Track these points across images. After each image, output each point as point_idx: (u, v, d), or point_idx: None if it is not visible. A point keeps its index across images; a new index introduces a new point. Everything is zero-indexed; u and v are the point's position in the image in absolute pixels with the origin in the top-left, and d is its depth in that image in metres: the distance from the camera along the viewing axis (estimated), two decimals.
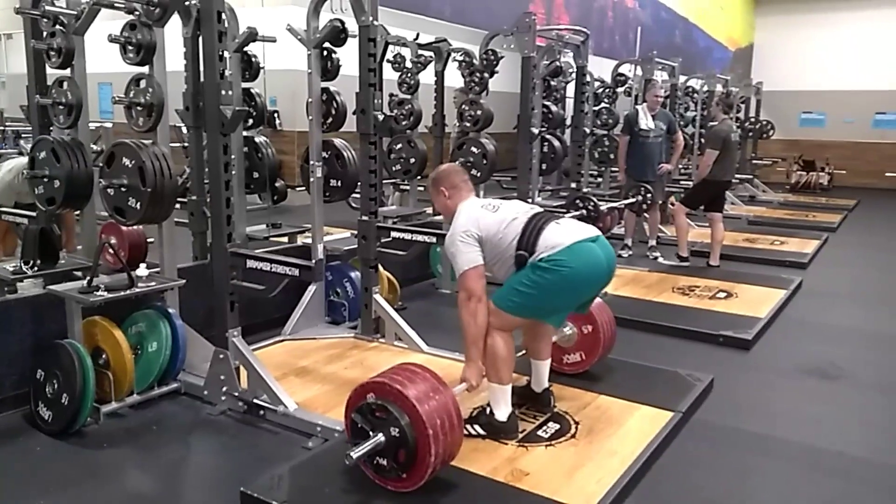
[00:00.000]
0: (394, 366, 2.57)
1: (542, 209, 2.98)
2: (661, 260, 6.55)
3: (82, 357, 2.92)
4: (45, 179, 3.32)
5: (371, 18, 3.72)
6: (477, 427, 2.88)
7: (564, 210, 5.32)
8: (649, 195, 6.37)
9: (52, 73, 3.51)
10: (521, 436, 2.87)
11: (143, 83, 3.20)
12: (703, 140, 8.79)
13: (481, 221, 2.82)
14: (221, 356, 3.13)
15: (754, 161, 12.04)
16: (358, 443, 2.39)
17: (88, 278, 3.06)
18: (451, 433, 2.40)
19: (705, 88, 9.87)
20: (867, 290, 6.15)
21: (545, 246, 2.71)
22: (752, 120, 11.83)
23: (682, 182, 8.00)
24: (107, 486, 2.63)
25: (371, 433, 2.40)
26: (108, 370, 3.06)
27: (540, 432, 2.94)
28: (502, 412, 2.86)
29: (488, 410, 2.89)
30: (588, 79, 6.93)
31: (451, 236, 2.84)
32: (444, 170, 3.12)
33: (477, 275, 2.75)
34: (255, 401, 3.08)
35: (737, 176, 8.29)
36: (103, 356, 3.09)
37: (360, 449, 2.36)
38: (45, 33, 3.41)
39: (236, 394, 3.12)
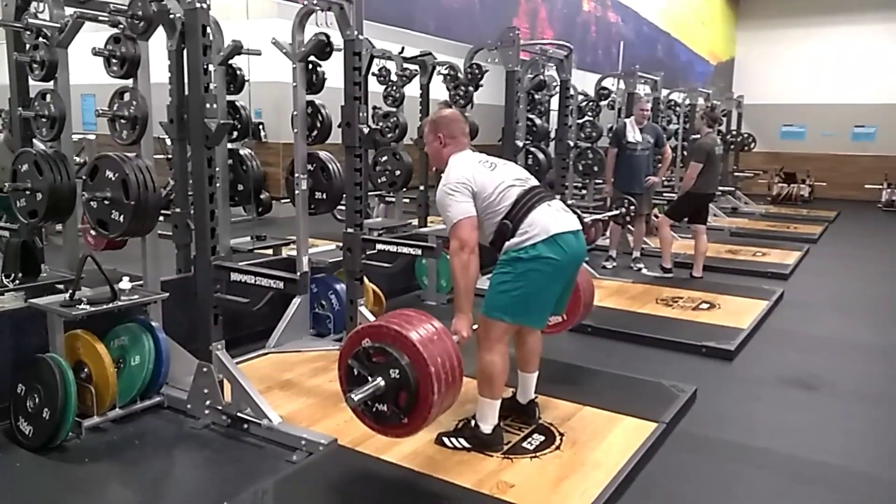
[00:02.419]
0: (388, 313, 2.54)
1: (537, 184, 2.92)
2: (645, 271, 6.60)
3: (64, 371, 2.89)
4: (28, 192, 3.30)
5: (356, 32, 3.73)
6: (462, 440, 2.88)
7: None
8: (633, 207, 6.42)
9: (34, 85, 3.50)
10: (506, 448, 2.88)
11: (126, 96, 3.20)
12: (686, 153, 8.89)
13: (477, 176, 2.77)
14: (205, 369, 3.12)
15: (736, 173, 12.17)
16: (355, 389, 2.36)
17: (70, 291, 3.03)
18: (452, 374, 2.37)
19: (687, 102, 9.98)
20: (848, 300, 6.22)
21: (530, 226, 2.71)
22: (734, 133, 11.98)
23: (666, 194, 8.08)
24: (89, 502, 2.60)
25: (369, 378, 2.36)
26: (90, 384, 3.03)
27: (525, 444, 2.94)
28: (488, 425, 2.86)
29: (473, 423, 2.89)
30: (572, 92, 6.96)
31: (445, 186, 2.77)
32: (446, 115, 3.00)
33: (471, 225, 2.71)
34: (239, 414, 3.06)
35: (719, 188, 8.37)
36: (85, 370, 3.06)
37: (362, 392, 2.32)
38: (28, 46, 3.39)
39: (220, 407, 3.10)
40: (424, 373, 2.29)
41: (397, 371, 2.32)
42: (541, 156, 6.58)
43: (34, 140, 3.51)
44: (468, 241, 2.68)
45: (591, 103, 8.32)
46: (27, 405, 2.93)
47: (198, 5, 2.89)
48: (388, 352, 2.33)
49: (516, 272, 2.71)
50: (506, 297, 2.74)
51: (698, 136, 6.60)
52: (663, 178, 7.85)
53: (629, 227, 6.79)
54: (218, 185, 3.34)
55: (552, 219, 2.75)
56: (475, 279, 2.72)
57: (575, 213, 5.56)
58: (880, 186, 13.79)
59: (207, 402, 3.12)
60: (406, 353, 2.32)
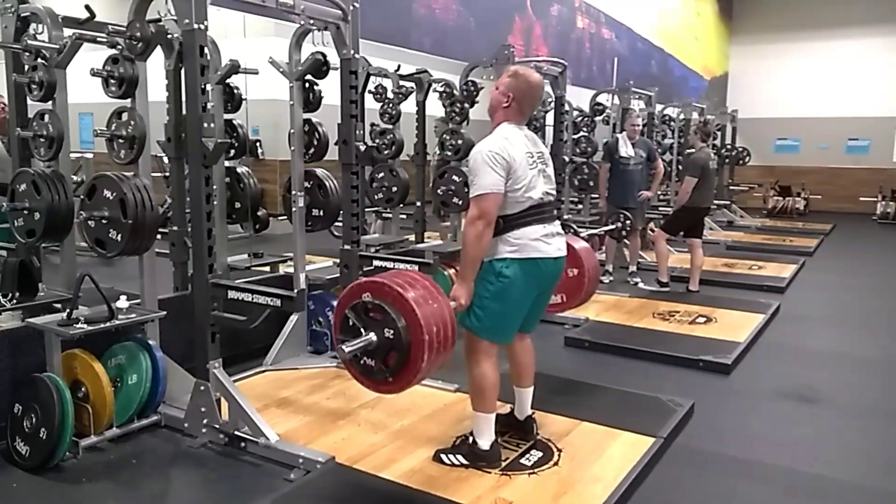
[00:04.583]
0: (392, 270, 2.54)
1: (553, 201, 2.94)
2: (641, 285, 6.61)
3: (61, 390, 2.89)
4: (26, 212, 3.31)
5: (352, 51, 3.77)
6: (459, 457, 2.87)
7: None
8: (629, 221, 6.45)
9: (33, 105, 3.52)
10: (504, 464, 2.88)
11: (124, 116, 3.22)
12: (681, 167, 8.94)
13: (519, 167, 2.73)
14: (202, 388, 3.11)
15: (731, 187, 12.24)
16: (346, 339, 2.36)
17: (68, 311, 3.04)
18: (444, 343, 2.38)
19: (682, 117, 10.05)
20: (844, 313, 6.23)
21: (517, 239, 2.75)
22: (729, 147, 12.05)
23: (661, 208, 8.11)
24: None
25: (363, 331, 2.37)
26: (87, 403, 3.03)
27: (523, 460, 2.94)
28: (485, 441, 2.86)
29: (471, 440, 2.89)
30: (566, 108, 7.03)
31: (486, 152, 2.70)
32: (532, 83, 2.85)
33: (496, 200, 2.68)
34: (237, 433, 3.05)
35: (715, 202, 8.42)
36: (82, 389, 3.06)
37: (353, 345, 2.34)
38: (26, 67, 3.41)
39: (217, 426, 3.09)
40: (418, 339, 2.30)
41: (392, 332, 2.32)
42: None
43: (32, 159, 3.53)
44: (488, 213, 2.67)
45: (586, 119, 8.37)
46: (24, 425, 2.93)
47: (195, 26, 2.91)
48: (386, 311, 2.34)
49: (493, 289, 2.75)
50: (483, 313, 2.78)
51: (693, 150, 6.64)
52: (657, 193, 7.88)
53: (625, 241, 6.82)
54: (215, 202, 3.36)
55: (540, 242, 2.79)
56: (485, 251, 2.72)
57: (571, 228, 5.65)
58: (875, 199, 13.86)
59: (205, 421, 3.11)
60: (404, 317, 2.32)
